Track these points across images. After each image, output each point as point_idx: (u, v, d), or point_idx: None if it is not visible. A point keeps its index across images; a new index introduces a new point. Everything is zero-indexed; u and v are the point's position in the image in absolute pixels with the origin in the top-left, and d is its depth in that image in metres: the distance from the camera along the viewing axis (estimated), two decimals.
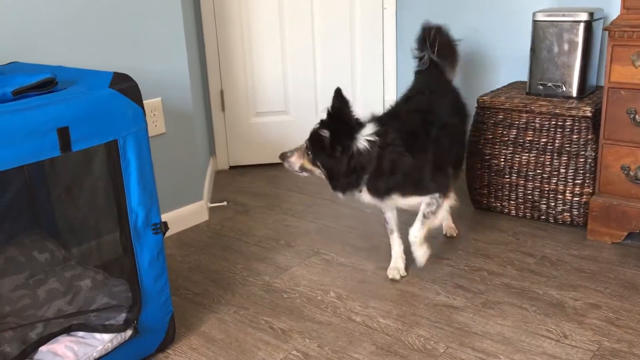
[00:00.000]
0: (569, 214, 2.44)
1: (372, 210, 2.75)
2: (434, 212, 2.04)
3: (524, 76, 2.70)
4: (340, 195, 2.03)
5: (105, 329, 1.62)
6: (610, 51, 2.15)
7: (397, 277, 2.14)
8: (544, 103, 2.42)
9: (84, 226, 1.99)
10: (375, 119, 2.01)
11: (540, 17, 2.46)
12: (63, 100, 1.43)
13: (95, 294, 1.78)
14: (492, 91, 2.68)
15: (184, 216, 2.62)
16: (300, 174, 2.08)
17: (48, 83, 1.46)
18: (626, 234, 2.28)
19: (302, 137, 3.35)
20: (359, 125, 1.96)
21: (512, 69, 2.89)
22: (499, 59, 2.98)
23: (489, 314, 1.91)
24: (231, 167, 3.43)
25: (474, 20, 3.02)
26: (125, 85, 1.55)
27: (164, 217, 1.71)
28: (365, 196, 2.03)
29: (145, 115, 1.60)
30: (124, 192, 1.57)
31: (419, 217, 2.05)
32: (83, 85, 1.54)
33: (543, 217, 2.51)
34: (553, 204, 2.46)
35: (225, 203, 2.90)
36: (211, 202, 2.88)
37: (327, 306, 1.99)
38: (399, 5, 3.26)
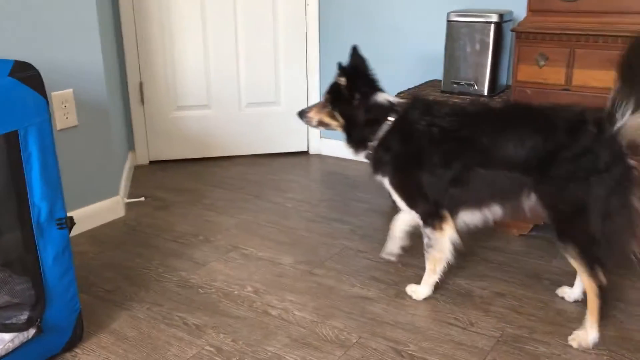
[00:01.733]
0: None
1: (293, 205, 2.78)
2: (430, 245, 1.94)
3: (439, 75, 2.79)
4: (352, 151, 2.00)
5: (5, 328, 1.55)
6: (517, 51, 2.25)
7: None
8: (457, 101, 2.51)
9: None
10: (403, 98, 2.01)
11: (453, 17, 2.54)
12: None
13: None
14: (409, 88, 2.75)
15: (98, 212, 2.54)
16: (317, 127, 2.10)
17: None
18: (532, 226, 2.40)
19: (224, 131, 3.37)
20: (378, 85, 1.96)
21: (428, 68, 2.97)
22: (418, 57, 3.06)
23: (402, 304, 1.96)
24: (151, 162, 3.36)
25: (395, 19, 3.08)
26: (26, 74, 1.48)
27: (77, 213, 1.66)
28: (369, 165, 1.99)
29: (48, 105, 1.54)
30: (24, 186, 1.51)
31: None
32: None
33: None
34: None
35: (143, 198, 2.83)
36: (128, 198, 2.81)
37: (244, 301, 1.99)
38: (321, 2, 3.28)
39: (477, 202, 1.88)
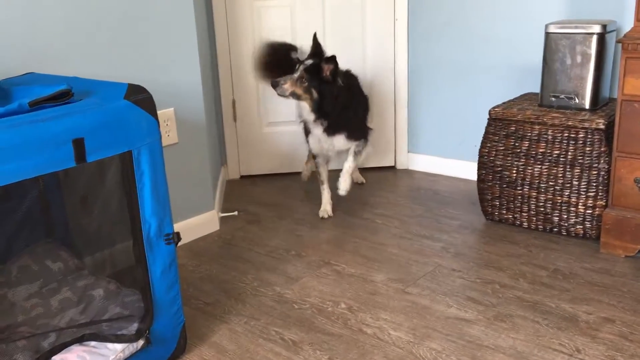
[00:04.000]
0: (581, 227, 2.43)
1: (382, 222, 2.76)
2: (361, 151, 2.78)
3: (536, 88, 2.70)
4: (314, 117, 2.61)
5: (117, 339, 1.62)
6: (624, 64, 2.14)
7: (326, 216, 2.83)
8: (556, 115, 2.42)
9: (97, 236, 2.01)
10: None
11: (552, 29, 2.45)
12: (78, 112, 1.44)
13: (108, 303, 1.79)
14: (504, 103, 2.68)
15: (195, 226, 2.63)
16: (287, 97, 2.60)
17: (64, 94, 1.48)
18: (639, 247, 2.27)
19: None
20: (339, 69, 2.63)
21: (524, 80, 2.89)
22: (511, 70, 2.97)
23: (501, 327, 1.89)
24: (242, 177, 3.45)
25: (485, 31, 3.02)
26: (140, 97, 1.56)
27: (176, 227, 1.72)
28: (319, 132, 2.67)
29: (159, 126, 1.61)
30: (137, 203, 1.58)
31: (351, 152, 2.75)
32: (98, 96, 1.55)
33: (555, 229, 2.50)
34: (565, 216, 2.45)
35: (236, 213, 2.91)
36: (222, 212, 2.89)
37: (338, 318, 1.99)
38: (410, 16, 3.26)
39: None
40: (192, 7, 2.45)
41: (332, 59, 2.51)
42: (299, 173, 3.42)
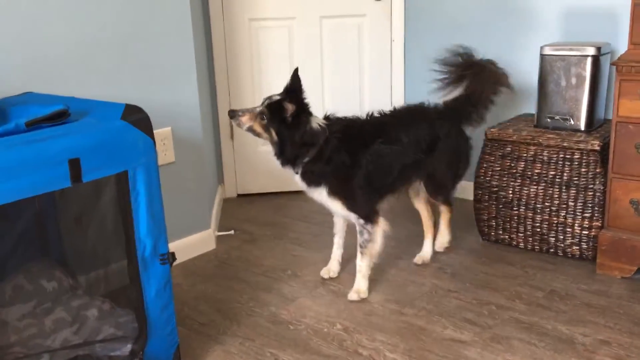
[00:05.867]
0: (577, 248, 2.43)
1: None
2: (369, 240, 2.21)
3: (531, 109, 2.71)
4: (279, 165, 2.20)
5: None
6: (618, 86, 2.16)
7: (326, 276, 2.40)
8: (552, 136, 2.43)
9: (92, 255, 2.00)
10: (326, 116, 2.24)
11: (548, 51, 2.48)
12: (75, 132, 1.45)
13: (102, 324, 1.78)
14: (500, 124, 2.69)
15: (191, 245, 2.62)
16: (245, 131, 2.19)
17: (61, 114, 1.49)
18: (636, 268, 2.26)
19: None
20: (310, 110, 2.17)
21: (520, 102, 2.90)
22: (507, 91, 2.99)
23: (497, 349, 1.88)
24: (239, 195, 3.44)
25: (484, 54, 3.04)
26: (136, 117, 1.57)
27: (171, 246, 1.72)
28: (298, 179, 2.21)
29: (155, 146, 1.61)
30: (132, 222, 1.58)
31: (358, 249, 2.24)
32: (95, 116, 1.56)
33: (552, 250, 2.50)
34: (562, 237, 2.45)
35: (232, 232, 2.90)
36: (219, 231, 2.88)
37: (334, 339, 1.98)
38: (407, 38, 3.29)
39: (394, 188, 2.30)
40: (190, 27, 2.47)
41: (295, 98, 2.10)
42: (295, 192, 3.40)
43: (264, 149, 3.37)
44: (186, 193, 2.58)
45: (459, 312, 2.11)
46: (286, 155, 2.14)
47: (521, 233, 2.55)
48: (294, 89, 2.14)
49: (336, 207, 2.20)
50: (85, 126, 1.49)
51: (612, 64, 2.24)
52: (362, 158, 2.15)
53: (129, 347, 1.64)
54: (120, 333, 1.71)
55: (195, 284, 2.40)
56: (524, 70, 2.87)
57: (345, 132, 2.17)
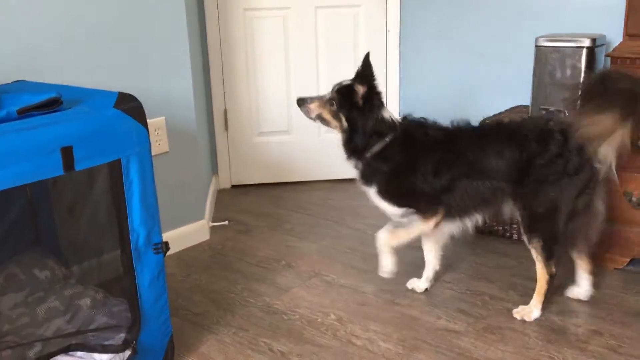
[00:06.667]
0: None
1: (373, 232, 2.75)
2: (405, 224, 2.04)
3: (526, 100, 2.71)
4: (346, 156, 2.04)
5: (103, 349, 1.61)
6: None
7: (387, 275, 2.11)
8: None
9: (85, 244, 1.99)
10: (404, 117, 2.09)
11: (542, 42, 2.47)
12: (67, 120, 1.44)
13: (95, 313, 1.78)
14: (494, 115, 2.69)
15: (185, 235, 2.62)
16: (314, 120, 2.08)
17: (53, 102, 1.47)
18: (628, 260, 2.27)
19: (304, 157, 3.41)
20: (383, 100, 2.03)
21: (515, 93, 2.90)
22: (502, 82, 2.99)
23: (491, 339, 1.89)
24: (233, 186, 3.44)
25: (478, 44, 3.04)
26: (129, 106, 1.56)
27: (165, 236, 1.71)
28: (357, 174, 2.07)
29: (149, 135, 1.60)
30: (125, 212, 1.57)
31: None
32: (88, 105, 1.55)
33: None
34: None
35: (226, 222, 2.90)
36: (213, 221, 2.88)
37: (327, 329, 1.98)
38: (402, 29, 3.28)
39: (461, 211, 2.03)
40: (185, 16, 2.45)
41: (366, 77, 1.96)
42: (290, 183, 3.41)
43: (259, 140, 3.39)
44: (180, 183, 2.57)
45: (452, 303, 2.12)
46: (355, 142, 1.99)
47: (515, 225, 2.55)
48: (366, 74, 1.98)
49: (387, 206, 2.07)
50: (78, 114, 1.48)
51: (607, 55, 2.24)
52: (427, 164, 1.97)
53: (122, 336, 1.64)
54: (114, 322, 1.71)
55: (189, 274, 2.39)
56: (518, 62, 2.87)
57: (416, 130, 2.01)
